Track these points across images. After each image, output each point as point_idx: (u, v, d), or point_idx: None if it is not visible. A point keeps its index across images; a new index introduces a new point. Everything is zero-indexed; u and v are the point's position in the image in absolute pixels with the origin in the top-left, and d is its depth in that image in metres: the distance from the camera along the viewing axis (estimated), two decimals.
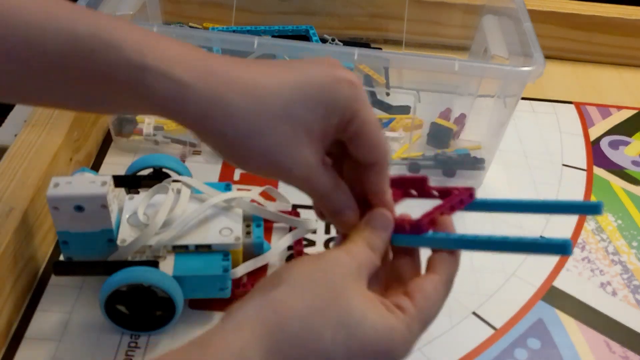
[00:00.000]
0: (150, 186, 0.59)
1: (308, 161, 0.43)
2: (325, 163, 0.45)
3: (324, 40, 0.92)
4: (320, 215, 0.49)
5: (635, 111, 0.89)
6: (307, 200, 0.69)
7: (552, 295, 0.63)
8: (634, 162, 0.80)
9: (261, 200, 0.65)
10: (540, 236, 0.69)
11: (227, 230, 0.58)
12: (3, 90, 0.43)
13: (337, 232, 0.49)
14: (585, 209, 0.47)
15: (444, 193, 0.48)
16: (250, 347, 0.37)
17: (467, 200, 0.47)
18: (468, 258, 0.65)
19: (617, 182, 0.77)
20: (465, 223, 0.70)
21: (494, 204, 0.48)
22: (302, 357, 0.38)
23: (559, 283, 0.64)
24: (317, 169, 0.44)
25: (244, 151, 0.41)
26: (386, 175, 0.46)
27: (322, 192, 0.45)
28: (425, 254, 0.46)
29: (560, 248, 0.40)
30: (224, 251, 0.56)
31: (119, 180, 0.60)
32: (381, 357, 0.39)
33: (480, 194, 0.72)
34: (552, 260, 0.66)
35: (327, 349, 0.38)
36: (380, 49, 0.93)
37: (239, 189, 0.65)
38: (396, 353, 0.40)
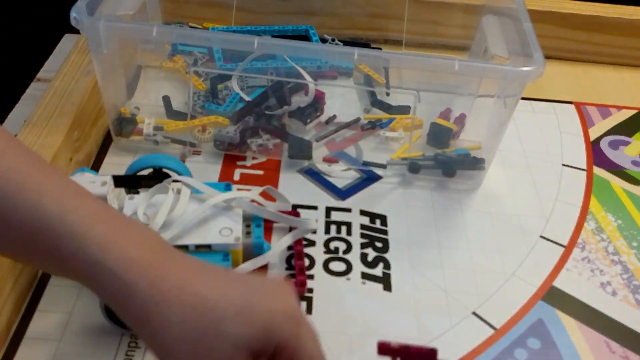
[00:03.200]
0: (150, 186, 0.59)
1: None
2: None
3: (323, 40, 0.92)
4: None
5: (635, 111, 0.89)
6: (307, 200, 0.70)
7: (552, 295, 0.63)
8: (634, 162, 0.80)
9: (261, 200, 0.65)
10: (541, 236, 0.69)
11: (227, 231, 0.58)
12: None
13: None
14: None
15: None
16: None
17: None
18: (468, 258, 0.66)
19: (617, 182, 0.77)
20: (466, 222, 0.70)
21: None
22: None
23: (559, 283, 0.64)
24: None
25: (170, 356, 0.42)
26: None
27: None
28: None
29: None
30: (224, 251, 0.57)
31: (119, 180, 0.60)
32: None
33: (481, 194, 0.73)
34: (552, 260, 0.66)
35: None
36: (380, 49, 0.93)
37: (239, 189, 0.65)
38: None
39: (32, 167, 0.44)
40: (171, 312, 0.42)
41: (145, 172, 0.64)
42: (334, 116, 0.79)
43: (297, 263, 0.61)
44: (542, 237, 0.69)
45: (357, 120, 0.79)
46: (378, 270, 0.63)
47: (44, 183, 0.44)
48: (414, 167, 0.73)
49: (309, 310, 0.59)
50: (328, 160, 0.75)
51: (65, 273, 0.44)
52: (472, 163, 0.74)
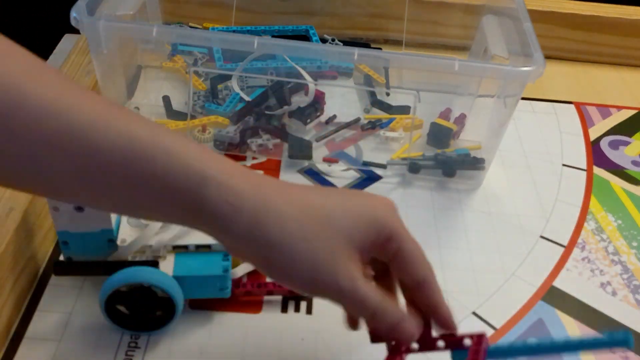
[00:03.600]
0: None
1: (351, 271, 0.43)
2: (367, 276, 0.46)
3: (324, 40, 0.92)
4: (353, 324, 0.50)
5: (635, 111, 0.89)
6: None
7: (552, 295, 0.63)
8: (634, 162, 0.80)
9: None
10: (541, 236, 0.69)
11: None
12: (48, 186, 0.43)
13: (388, 347, 0.49)
14: (611, 343, 0.46)
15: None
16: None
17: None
18: (468, 258, 0.66)
19: (617, 182, 0.77)
20: (466, 222, 0.70)
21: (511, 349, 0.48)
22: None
23: (559, 283, 0.64)
24: (361, 280, 0.44)
25: (288, 259, 0.42)
26: (436, 290, 0.47)
27: (372, 304, 0.44)
28: None
29: (622, 342, 0.44)
30: (224, 251, 0.56)
31: None
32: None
33: (481, 194, 0.73)
34: (552, 260, 0.66)
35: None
36: (380, 49, 0.93)
37: None
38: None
39: (101, 102, 0.42)
40: (282, 212, 0.42)
41: None
42: (334, 116, 0.79)
43: None
44: (542, 237, 0.69)
45: (357, 120, 0.79)
46: None
47: (117, 112, 0.42)
48: (413, 167, 0.73)
49: (309, 310, 0.59)
50: (328, 160, 0.75)
51: (162, 197, 0.41)
52: (472, 163, 0.74)
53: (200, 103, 0.79)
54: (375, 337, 0.49)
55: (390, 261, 0.46)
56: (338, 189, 0.47)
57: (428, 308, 0.47)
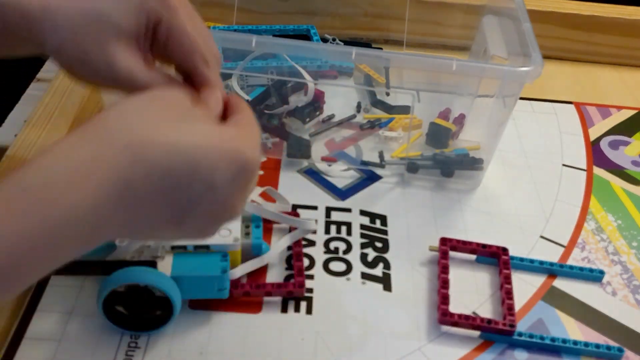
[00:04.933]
0: None
1: (127, 56, 0.46)
2: (149, 62, 0.47)
3: (324, 40, 0.92)
4: None
5: (635, 111, 0.89)
6: (307, 200, 0.70)
7: (552, 295, 0.63)
8: (634, 162, 0.80)
9: (261, 201, 0.65)
10: (541, 236, 0.69)
11: (226, 231, 0.58)
12: None
13: None
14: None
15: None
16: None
17: None
18: (468, 257, 0.66)
19: (617, 182, 0.77)
20: (466, 222, 0.70)
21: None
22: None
23: (559, 283, 0.64)
24: (139, 64, 0.46)
25: (68, 49, 0.45)
26: (208, 76, 0.48)
27: (137, 77, 0.46)
28: None
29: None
30: (223, 252, 0.57)
31: None
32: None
33: (480, 194, 0.73)
34: (552, 260, 0.66)
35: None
36: (381, 48, 0.93)
37: None
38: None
39: None
40: (60, 11, 0.45)
41: None
42: (333, 115, 0.79)
43: (295, 264, 0.61)
44: (542, 237, 0.69)
45: (353, 117, 0.79)
46: (378, 270, 0.63)
47: None
48: (412, 167, 0.73)
49: (309, 310, 0.59)
50: (327, 159, 0.75)
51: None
52: (471, 163, 0.74)
53: None
54: None
55: (165, 48, 0.47)
56: None
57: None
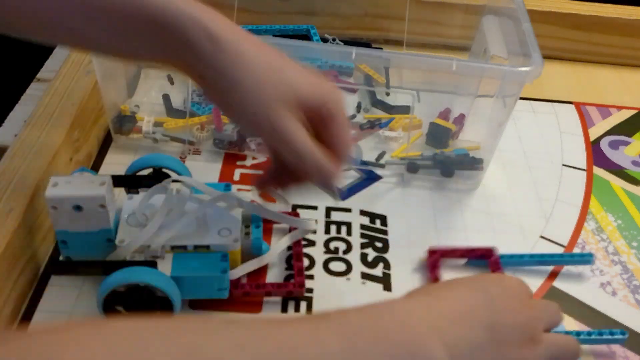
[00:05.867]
0: (149, 186, 0.59)
1: (286, 113, 0.49)
2: (304, 125, 0.50)
3: (324, 40, 0.92)
4: (262, 185, 0.58)
5: (635, 111, 0.89)
6: (307, 200, 0.70)
7: (552, 295, 0.63)
8: (634, 162, 0.80)
9: (261, 201, 0.65)
10: (541, 236, 0.69)
11: (225, 231, 0.58)
12: (51, 29, 0.49)
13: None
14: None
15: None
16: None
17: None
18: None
19: (617, 182, 0.77)
20: (466, 222, 0.70)
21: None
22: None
23: (559, 283, 0.64)
24: (294, 122, 0.49)
25: (239, 86, 0.48)
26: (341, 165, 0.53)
27: (301, 143, 0.50)
28: None
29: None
30: (223, 252, 0.57)
31: (118, 180, 0.60)
32: None
33: (480, 194, 0.73)
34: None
35: None
36: (381, 48, 0.93)
37: (239, 189, 0.65)
38: None
39: None
40: (246, 50, 0.49)
41: (145, 172, 0.64)
42: None
43: (295, 264, 0.61)
44: (542, 237, 0.69)
45: (353, 117, 0.79)
46: (378, 270, 0.63)
47: None
48: (412, 167, 0.73)
49: (309, 310, 0.59)
50: None
51: (150, 28, 0.47)
52: (471, 163, 0.74)
53: (200, 101, 0.79)
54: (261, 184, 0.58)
55: (319, 132, 0.51)
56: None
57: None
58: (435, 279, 0.62)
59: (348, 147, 0.53)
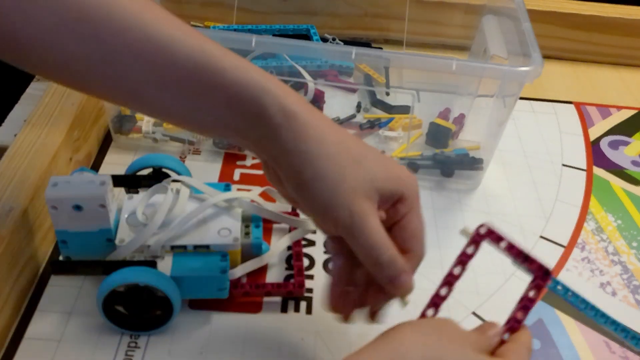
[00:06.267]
0: (149, 186, 0.59)
1: (367, 208, 0.46)
2: (380, 218, 0.48)
3: (324, 40, 0.92)
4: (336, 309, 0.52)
5: (635, 111, 0.89)
6: None
7: (552, 295, 0.63)
8: (634, 162, 0.80)
9: (261, 201, 0.65)
10: (541, 236, 0.69)
11: (225, 231, 0.58)
12: (127, 94, 0.48)
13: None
14: None
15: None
16: None
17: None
18: None
19: (617, 182, 0.77)
20: (466, 222, 0.70)
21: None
22: None
23: None
24: (376, 221, 0.47)
25: (318, 175, 0.46)
26: (416, 266, 0.50)
27: (382, 246, 0.47)
28: None
29: None
30: (222, 252, 0.57)
31: (118, 180, 0.60)
32: None
33: (480, 194, 0.73)
34: (552, 260, 0.66)
35: None
36: (381, 48, 0.93)
37: (238, 189, 0.65)
38: None
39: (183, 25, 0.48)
40: (326, 137, 0.46)
41: (144, 172, 0.64)
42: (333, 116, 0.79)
43: (295, 264, 0.61)
44: (542, 237, 0.69)
45: (353, 116, 0.79)
46: None
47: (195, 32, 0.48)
48: (412, 166, 0.73)
49: (309, 310, 0.59)
50: None
51: (226, 104, 0.46)
52: (471, 163, 0.74)
53: None
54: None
55: (393, 225, 0.49)
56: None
57: None
58: (461, 261, 0.51)
59: (424, 246, 0.50)
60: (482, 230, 0.50)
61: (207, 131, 0.53)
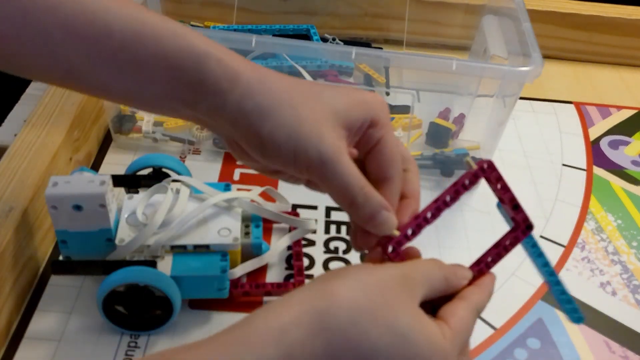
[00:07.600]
0: (149, 186, 0.59)
1: (335, 142, 0.44)
2: (352, 156, 0.46)
3: (324, 40, 0.92)
4: (358, 244, 0.49)
5: (635, 111, 0.89)
6: (307, 200, 0.70)
7: (552, 295, 0.63)
8: (634, 162, 0.80)
9: (261, 200, 0.65)
10: (541, 236, 0.69)
11: (225, 231, 0.58)
12: (63, 72, 0.45)
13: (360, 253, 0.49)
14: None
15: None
16: (293, 324, 0.38)
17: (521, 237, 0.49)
18: (467, 258, 0.65)
19: (617, 182, 0.77)
20: (466, 222, 0.70)
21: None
22: (344, 347, 0.38)
23: None
24: (345, 155, 0.44)
25: (274, 125, 0.43)
26: (397, 192, 0.48)
27: (354, 184, 0.44)
28: None
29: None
30: (222, 251, 0.57)
31: (118, 180, 0.60)
32: None
33: (480, 194, 0.73)
34: (552, 260, 0.66)
35: (371, 347, 0.38)
36: (381, 48, 0.93)
37: (238, 189, 0.65)
38: None
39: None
40: (274, 84, 0.44)
41: (144, 172, 0.64)
42: None
43: (295, 264, 0.61)
44: (542, 237, 0.69)
45: None
46: None
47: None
48: None
49: None
50: None
51: (167, 74, 0.44)
52: None
53: None
54: (359, 242, 0.49)
55: (367, 153, 0.47)
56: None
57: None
58: (455, 192, 0.50)
59: (401, 170, 0.48)
60: (485, 165, 0.48)
61: (155, 107, 0.49)
